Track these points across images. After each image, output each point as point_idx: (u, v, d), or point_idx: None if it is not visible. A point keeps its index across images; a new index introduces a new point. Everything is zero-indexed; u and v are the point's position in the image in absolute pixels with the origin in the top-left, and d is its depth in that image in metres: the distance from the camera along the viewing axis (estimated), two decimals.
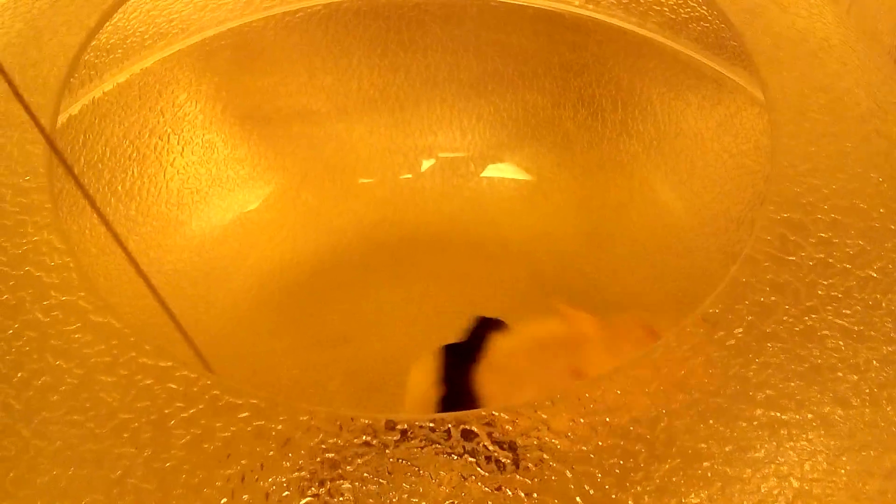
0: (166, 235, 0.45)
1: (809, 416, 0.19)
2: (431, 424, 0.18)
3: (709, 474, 0.18)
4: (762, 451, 0.18)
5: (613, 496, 0.17)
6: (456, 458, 0.18)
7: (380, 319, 0.45)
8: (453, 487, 0.17)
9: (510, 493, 0.17)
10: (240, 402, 0.18)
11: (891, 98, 0.27)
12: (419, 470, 0.17)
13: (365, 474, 0.17)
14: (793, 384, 0.19)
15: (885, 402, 0.20)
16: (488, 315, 0.40)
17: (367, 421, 0.18)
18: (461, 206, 0.51)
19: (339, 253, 0.48)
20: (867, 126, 0.26)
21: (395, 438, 0.18)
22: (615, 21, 0.46)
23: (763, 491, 0.18)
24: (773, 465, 0.18)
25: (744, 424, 0.19)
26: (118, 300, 0.41)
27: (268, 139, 0.49)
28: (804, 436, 0.19)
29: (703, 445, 0.18)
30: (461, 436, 0.18)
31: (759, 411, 0.19)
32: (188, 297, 0.45)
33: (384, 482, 0.17)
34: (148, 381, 0.19)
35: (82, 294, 0.20)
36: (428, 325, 0.44)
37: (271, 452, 0.18)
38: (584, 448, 0.18)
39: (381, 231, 0.49)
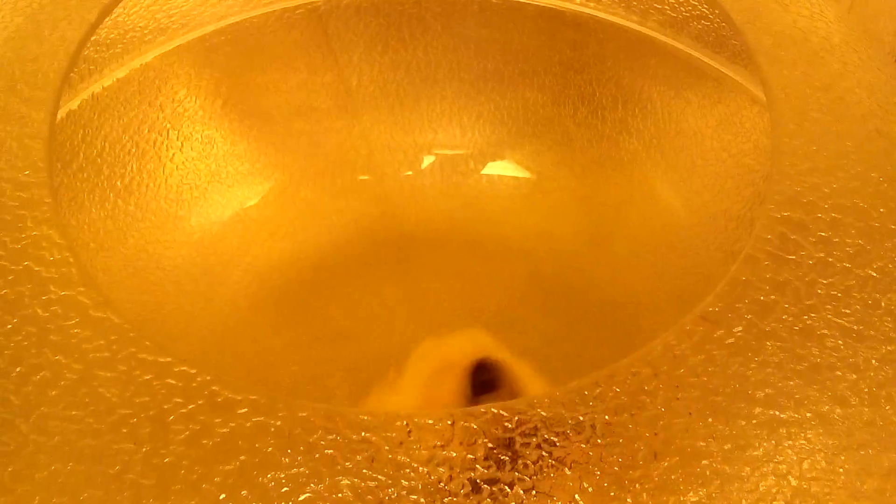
0: (165, 231, 0.45)
1: (808, 414, 0.19)
2: (430, 421, 0.18)
3: (707, 472, 0.18)
4: (761, 450, 0.18)
5: (612, 494, 0.17)
6: (455, 454, 0.18)
7: (379, 316, 0.45)
8: (452, 484, 0.17)
9: (509, 490, 0.17)
10: (239, 398, 0.18)
11: (892, 98, 0.27)
12: (418, 467, 0.17)
13: (364, 470, 0.17)
14: (792, 383, 0.19)
15: (883, 401, 0.20)
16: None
17: (365, 417, 0.18)
18: (461, 204, 0.50)
19: (338, 249, 0.48)
20: (868, 125, 0.26)
21: (393, 435, 0.18)
22: (616, 19, 0.46)
23: (762, 489, 0.18)
24: (771, 464, 0.18)
25: (743, 423, 0.19)
26: (118, 296, 0.41)
27: (267, 135, 0.49)
28: (803, 434, 0.19)
29: (701, 444, 0.18)
30: (460, 432, 0.18)
31: (757, 410, 0.19)
32: (187, 292, 0.44)
33: (383, 478, 0.17)
34: (147, 377, 0.19)
35: (81, 289, 0.20)
36: (427, 322, 0.44)
37: (270, 448, 0.18)
38: (583, 446, 0.18)
39: (380, 228, 0.49)
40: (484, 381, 0.36)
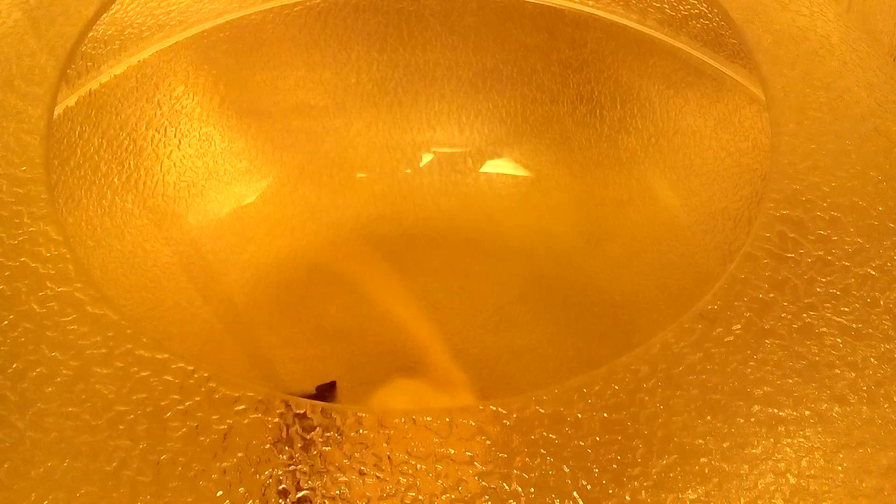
0: (162, 228, 0.45)
1: (807, 412, 0.19)
2: (429, 418, 0.18)
3: (706, 470, 0.18)
4: (759, 448, 0.18)
5: (610, 491, 0.17)
6: (454, 451, 0.17)
7: (377, 314, 0.44)
8: (451, 481, 0.17)
9: (507, 487, 0.17)
10: (236, 394, 0.18)
11: (891, 97, 0.27)
12: (416, 464, 0.17)
13: (362, 468, 0.17)
14: (790, 381, 0.19)
15: (882, 399, 0.20)
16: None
17: (363, 414, 0.18)
18: (459, 202, 0.50)
19: (336, 247, 0.48)
20: (867, 124, 0.26)
21: (391, 432, 0.18)
22: (615, 18, 0.46)
23: (760, 487, 0.18)
24: (770, 462, 0.18)
25: (741, 421, 0.19)
26: (114, 292, 0.41)
27: (265, 133, 0.49)
28: (801, 433, 0.19)
29: (700, 441, 0.18)
30: (459, 429, 0.18)
31: (756, 408, 0.19)
32: (184, 290, 0.44)
33: (381, 476, 0.17)
34: (144, 373, 0.19)
35: (78, 285, 0.20)
36: (425, 321, 0.44)
37: (268, 445, 0.18)
38: (582, 443, 0.18)
39: (378, 226, 0.49)
40: None
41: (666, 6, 0.44)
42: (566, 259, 0.47)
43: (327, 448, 0.17)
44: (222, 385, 0.18)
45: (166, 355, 0.19)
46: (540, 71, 0.49)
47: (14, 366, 0.19)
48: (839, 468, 0.19)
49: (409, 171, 0.50)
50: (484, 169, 0.51)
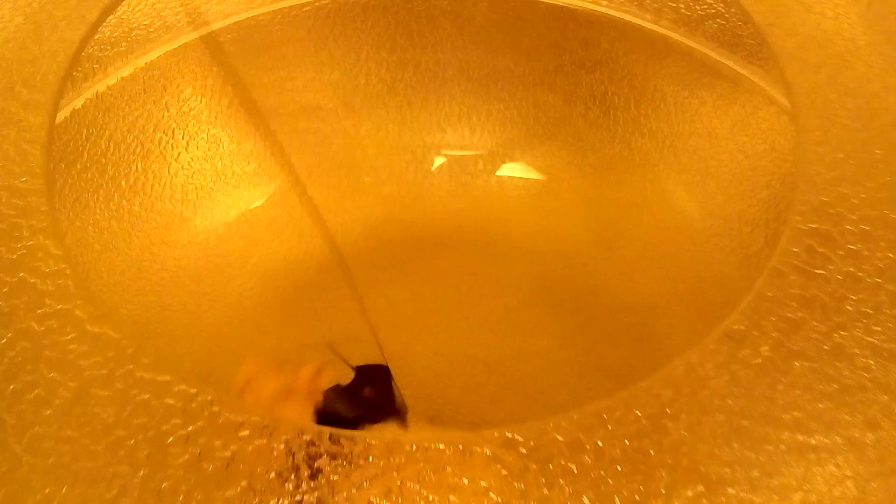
0: (170, 231, 0.45)
1: (838, 439, 0.18)
2: (441, 446, 0.17)
3: (734, 502, 0.17)
4: (789, 477, 0.17)
5: None
6: (467, 481, 0.17)
7: (386, 318, 0.44)
8: None
9: None
10: (240, 419, 0.18)
11: None
12: (428, 495, 0.16)
13: (372, 498, 0.16)
14: (821, 405, 0.18)
15: None
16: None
17: (373, 441, 0.17)
18: (470, 205, 0.50)
19: (345, 251, 0.48)
20: None
21: (402, 460, 0.17)
22: (629, 17, 0.45)
23: None
24: (800, 492, 0.17)
25: (770, 448, 0.18)
26: (121, 296, 0.41)
27: (274, 134, 0.49)
28: (833, 460, 0.18)
29: (727, 471, 0.17)
30: (472, 458, 0.17)
31: (785, 434, 0.18)
32: (192, 293, 0.44)
33: None
34: (145, 396, 0.18)
35: (78, 303, 0.20)
36: (434, 325, 0.44)
37: (273, 474, 0.17)
38: (602, 473, 0.17)
39: (388, 229, 0.49)
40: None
41: (681, 6, 0.43)
42: (577, 263, 0.46)
43: (335, 477, 0.17)
44: (226, 409, 0.18)
45: (168, 377, 0.18)
46: (552, 71, 0.49)
47: (11, 387, 0.19)
48: (872, 498, 0.18)
49: (418, 173, 0.50)
50: (495, 171, 0.50)
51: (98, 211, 0.41)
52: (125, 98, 0.43)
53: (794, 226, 0.21)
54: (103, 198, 0.42)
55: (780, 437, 0.18)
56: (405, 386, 0.39)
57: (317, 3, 0.47)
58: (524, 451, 0.17)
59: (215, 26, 0.45)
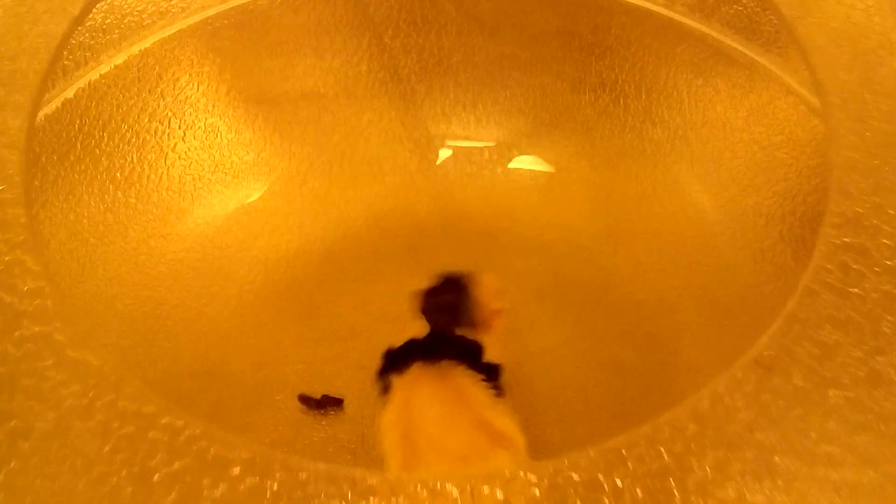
0: (167, 224, 0.44)
1: (875, 475, 0.17)
2: (449, 486, 0.16)
3: None
4: None
5: None
6: None
7: (390, 312, 0.43)
8: None
9: None
10: (231, 455, 0.16)
11: None
12: None
13: None
14: (857, 438, 0.17)
15: None
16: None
17: (374, 482, 0.16)
18: (475, 196, 0.49)
19: (347, 243, 0.47)
20: None
21: (406, 501, 0.16)
22: (641, 2, 0.44)
23: None
24: None
25: (803, 486, 0.16)
26: (118, 290, 0.40)
27: (273, 123, 0.48)
28: (869, 499, 0.17)
29: None
30: (482, 500, 0.16)
31: (820, 470, 0.17)
32: (190, 287, 0.43)
33: None
34: (128, 430, 0.17)
35: (58, 325, 0.18)
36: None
37: None
38: None
39: (391, 220, 0.48)
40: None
41: None
42: (586, 255, 0.45)
43: None
44: (215, 444, 0.16)
45: (153, 408, 0.17)
46: (560, 58, 0.47)
47: None
48: None
49: (422, 162, 0.49)
50: (501, 161, 0.49)
51: (93, 203, 0.41)
52: (119, 87, 0.41)
53: (826, 240, 0.20)
54: (98, 190, 0.41)
55: (813, 474, 0.17)
56: None
57: None
58: (538, 492, 0.16)
59: (211, 11, 0.44)
